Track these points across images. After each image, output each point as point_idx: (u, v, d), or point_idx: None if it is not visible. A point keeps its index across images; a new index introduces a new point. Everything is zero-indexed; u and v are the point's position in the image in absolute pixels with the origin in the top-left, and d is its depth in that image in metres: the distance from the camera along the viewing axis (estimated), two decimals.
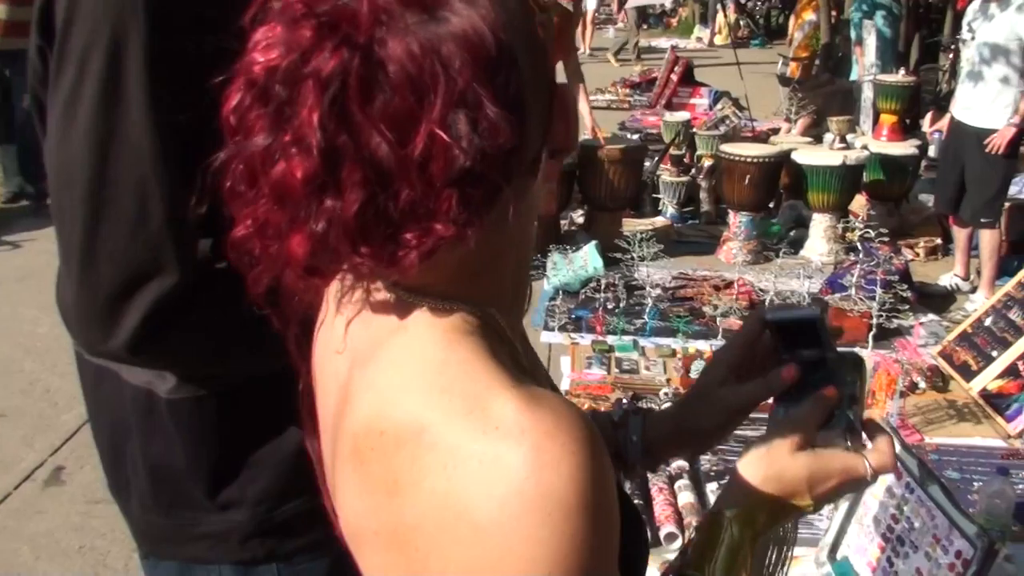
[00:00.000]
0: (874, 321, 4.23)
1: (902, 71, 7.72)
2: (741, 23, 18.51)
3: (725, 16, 17.68)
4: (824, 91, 8.97)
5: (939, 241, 6.31)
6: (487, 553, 0.66)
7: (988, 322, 4.68)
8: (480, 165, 0.68)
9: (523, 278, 0.89)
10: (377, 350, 0.78)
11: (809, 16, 13.18)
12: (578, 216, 6.81)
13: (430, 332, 0.76)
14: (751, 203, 6.17)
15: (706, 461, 3.72)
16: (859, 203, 6.67)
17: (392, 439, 0.72)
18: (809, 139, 7.33)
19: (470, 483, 0.67)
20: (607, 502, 0.69)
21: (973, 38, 5.39)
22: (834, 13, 12.23)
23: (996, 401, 4.17)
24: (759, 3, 19.10)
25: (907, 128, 7.55)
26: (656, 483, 3.44)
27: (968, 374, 4.43)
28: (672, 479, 3.49)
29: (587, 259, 4.96)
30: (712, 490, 3.52)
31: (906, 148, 6.39)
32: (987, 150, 5.18)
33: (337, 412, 0.81)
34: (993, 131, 5.19)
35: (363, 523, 0.77)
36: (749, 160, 6.09)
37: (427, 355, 0.75)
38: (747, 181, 6.05)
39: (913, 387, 4.25)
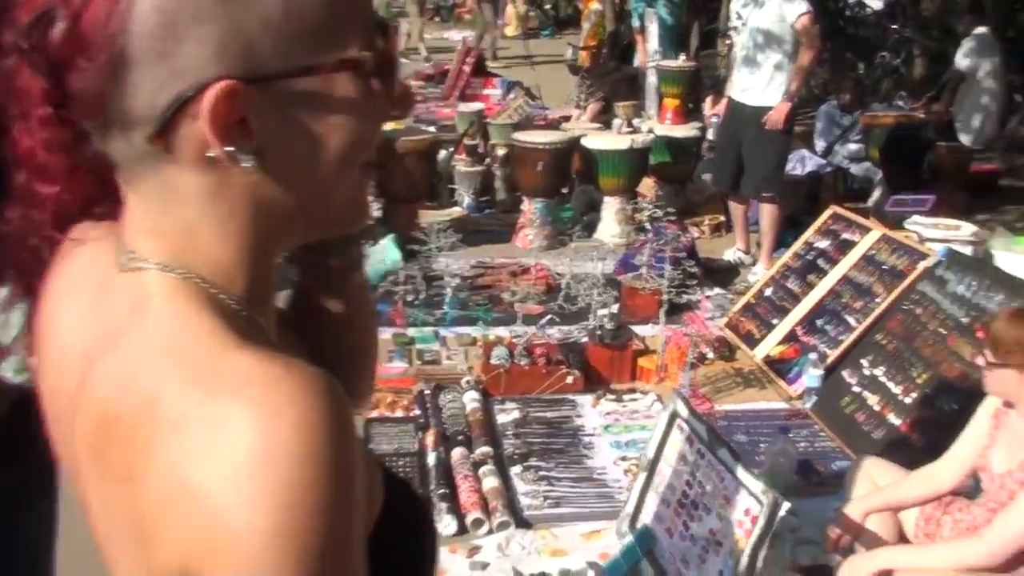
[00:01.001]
0: (665, 297, 4.38)
1: (682, 57, 8.04)
2: (531, 14, 18.80)
3: (515, 7, 17.92)
4: (612, 78, 9.22)
5: (722, 218, 6.59)
6: (212, 520, 0.61)
7: (768, 292, 4.94)
8: None
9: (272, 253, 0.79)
10: (114, 336, 0.72)
11: (595, 6, 13.55)
12: (375, 209, 6.75)
13: (165, 305, 0.71)
14: (544, 189, 6.27)
15: (510, 445, 3.77)
16: (648, 185, 6.89)
17: (127, 422, 0.67)
18: (599, 125, 7.52)
19: (197, 449, 0.62)
20: (343, 459, 0.64)
21: (745, 24, 5.64)
22: (619, 2, 12.62)
23: (779, 366, 4.41)
24: None
25: (690, 111, 7.87)
26: (461, 471, 3.45)
27: (752, 342, 4.67)
28: (476, 465, 3.51)
29: (385, 252, 4.91)
30: (516, 472, 3.57)
31: (689, 130, 6.65)
32: (766, 127, 5.44)
33: (70, 412, 0.74)
34: (770, 109, 5.44)
35: (108, 527, 0.71)
36: (541, 147, 6.18)
37: (161, 329, 0.70)
38: (540, 168, 6.13)
39: (702, 358, 4.44)
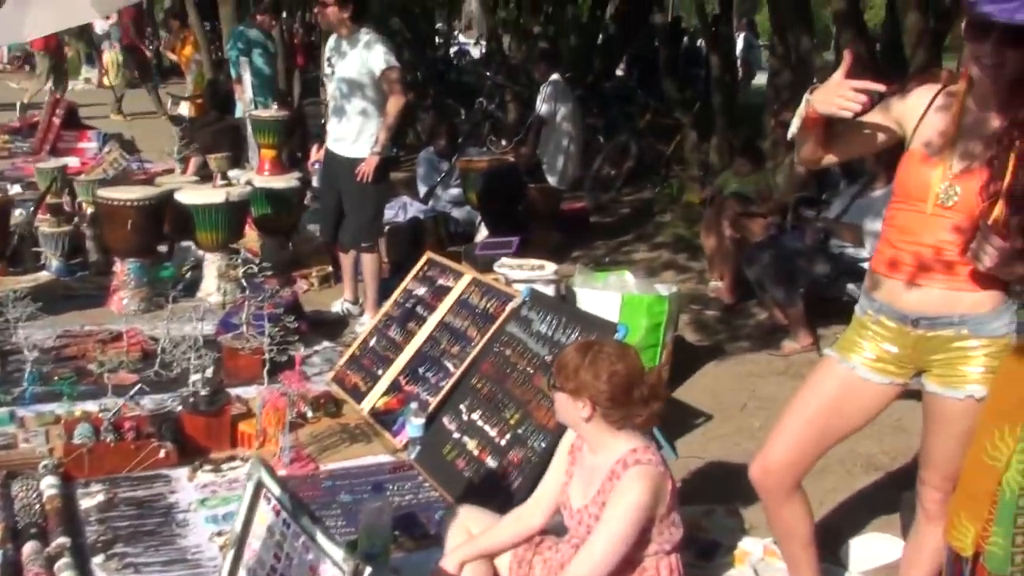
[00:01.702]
0: (266, 356, 4.23)
1: (275, 106, 7.93)
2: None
3: (113, 55, 16.96)
4: (213, 128, 8.91)
5: (331, 269, 6.54)
6: None
7: (372, 343, 4.92)
8: None
9: None
10: None
11: (194, 55, 13.14)
12: None
13: None
14: (137, 249, 5.91)
15: (93, 532, 3.43)
16: (252, 238, 6.70)
17: None
18: (197, 178, 7.23)
19: None
20: None
21: (333, 73, 5.64)
22: (216, 50, 12.31)
23: (384, 418, 4.37)
24: (152, 41, 18.57)
25: (294, 161, 7.77)
26: (31, 569, 3.08)
27: (359, 396, 4.61)
28: (51, 560, 3.14)
29: None
30: (98, 563, 3.24)
31: (289, 181, 6.53)
32: (357, 180, 5.45)
33: None
34: (362, 160, 5.46)
35: None
36: (128, 204, 5.83)
37: None
38: (129, 226, 5.78)
39: (303, 417, 4.31)
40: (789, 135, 2.69)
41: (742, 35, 18.85)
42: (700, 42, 14.15)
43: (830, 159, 2.71)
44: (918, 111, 2.55)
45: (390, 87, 5.45)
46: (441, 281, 4.85)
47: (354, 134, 5.53)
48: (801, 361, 5.22)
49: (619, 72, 15.40)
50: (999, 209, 2.34)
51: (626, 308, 4.61)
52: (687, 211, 8.50)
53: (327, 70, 5.80)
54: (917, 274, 2.49)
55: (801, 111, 2.54)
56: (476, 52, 16.76)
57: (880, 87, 2.42)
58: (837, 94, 2.39)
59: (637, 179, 10.16)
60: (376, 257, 5.71)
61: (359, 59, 5.48)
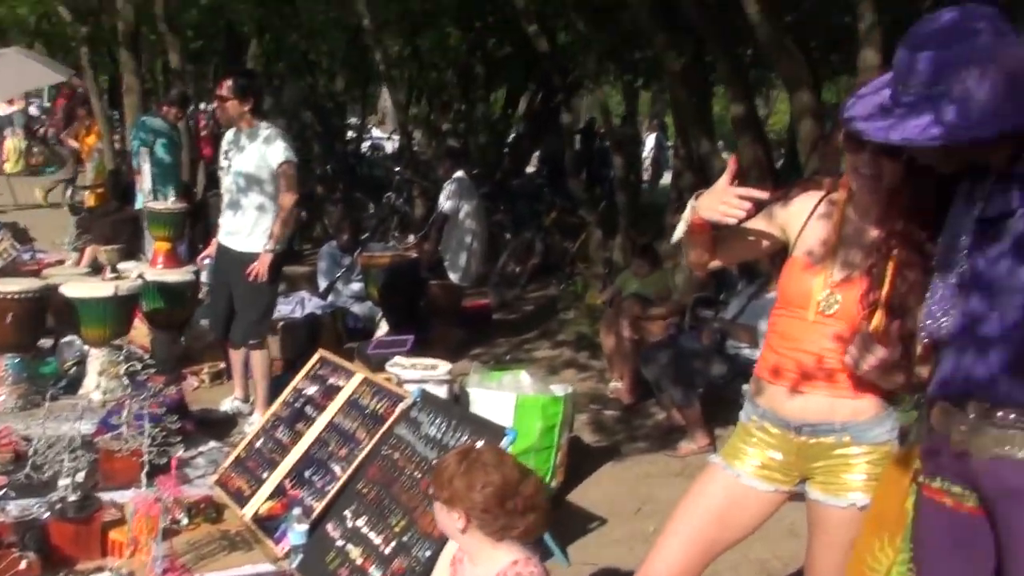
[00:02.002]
0: (145, 458, 4.03)
1: (172, 197, 7.79)
2: (35, 149, 17.53)
3: (15, 141, 16.64)
4: (112, 219, 8.75)
5: (223, 365, 6.35)
6: None
7: (259, 444, 4.74)
8: None
9: None
10: None
11: (97, 143, 12.94)
12: None
13: None
14: (17, 343, 5.69)
15: None
16: (143, 333, 6.49)
17: None
18: (89, 269, 7.03)
19: None
20: None
21: (230, 167, 5.56)
22: (119, 139, 12.15)
23: (267, 524, 4.19)
24: (48, 128, 18.26)
25: (195, 253, 7.61)
26: None
27: (241, 500, 4.41)
28: None
29: None
30: None
31: (183, 274, 6.36)
32: (250, 279, 5.34)
33: None
34: (255, 255, 5.36)
35: None
36: (10, 297, 5.62)
37: None
38: (9, 320, 5.56)
39: (177, 523, 4.11)
40: (674, 239, 2.69)
41: (653, 135, 19.34)
42: None
43: (717, 263, 2.73)
44: (801, 218, 2.58)
45: (285, 182, 5.39)
46: (332, 380, 4.72)
47: (248, 228, 5.44)
48: (697, 463, 5.18)
49: (532, 169, 15.64)
50: (878, 318, 2.36)
51: (520, 409, 4.54)
52: (590, 309, 8.53)
53: (223, 163, 5.72)
54: (799, 381, 2.49)
55: (687, 216, 2.54)
56: (390, 146, 16.87)
57: (763, 195, 2.44)
58: (721, 201, 2.40)
59: (542, 276, 10.20)
60: (265, 354, 5.57)
61: (258, 153, 5.42)
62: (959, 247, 2.06)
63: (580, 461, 5.13)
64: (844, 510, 2.47)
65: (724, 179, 2.42)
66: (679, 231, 2.60)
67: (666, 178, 17.24)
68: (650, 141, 19.69)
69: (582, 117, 19.92)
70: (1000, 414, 1.98)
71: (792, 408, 2.51)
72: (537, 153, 15.90)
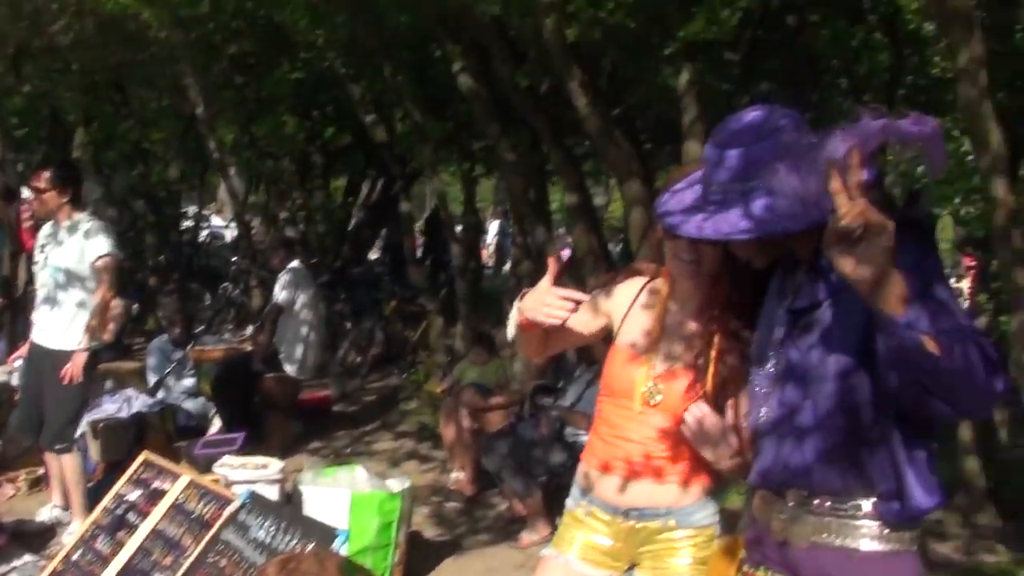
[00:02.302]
0: None
1: None
2: None
3: None
4: None
5: (42, 471, 5.97)
6: None
7: (77, 556, 4.44)
8: None
9: None
10: None
11: None
12: None
13: None
14: None
15: None
16: None
17: None
18: None
19: None
20: None
21: (46, 261, 5.30)
22: None
23: None
24: None
25: (13, 349, 7.19)
26: None
27: None
28: None
29: None
30: None
31: None
32: (64, 381, 5.06)
33: None
34: (69, 353, 5.09)
35: None
36: None
37: None
38: None
39: None
40: (508, 337, 2.69)
41: (497, 222, 19.59)
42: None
43: (549, 353, 2.75)
44: (623, 307, 2.62)
45: (104, 276, 5.15)
46: (156, 484, 4.48)
47: (64, 325, 5.16)
48: (539, 553, 5.13)
49: (376, 255, 15.54)
50: (676, 398, 2.43)
51: (355, 507, 4.41)
52: (432, 398, 8.45)
53: (38, 257, 5.44)
54: (626, 468, 2.51)
55: (513, 317, 2.54)
56: (230, 235, 16.52)
57: (583, 296, 2.45)
58: (544, 302, 2.40)
59: (384, 366, 10.09)
60: (74, 457, 5.25)
61: (78, 247, 5.18)
62: (773, 338, 2.12)
63: (421, 557, 5.01)
64: None
65: (546, 279, 2.43)
66: (509, 330, 2.61)
67: (510, 264, 17.48)
68: (494, 227, 19.95)
69: (428, 204, 20.07)
70: (816, 502, 2.02)
71: (619, 493, 2.53)
72: (380, 241, 15.88)
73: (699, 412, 2.35)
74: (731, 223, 1.97)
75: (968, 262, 10.09)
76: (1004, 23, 5.68)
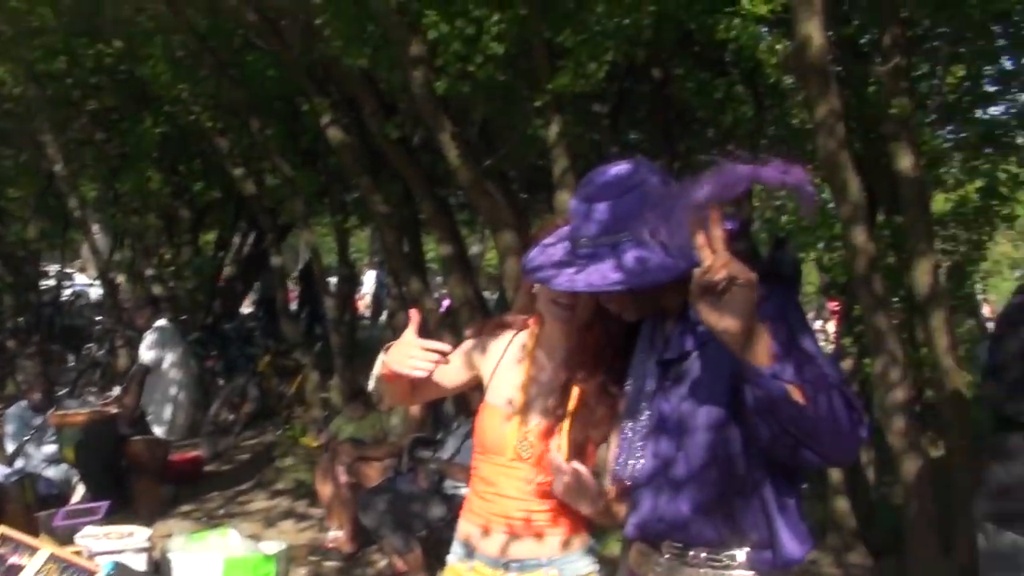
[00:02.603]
0: None
1: None
2: None
3: None
4: None
5: None
6: None
7: None
8: None
9: None
10: None
11: None
12: None
13: None
14: None
15: None
16: None
17: None
18: None
19: None
20: None
21: None
22: None
23: None
24: None
25: None
26: None
27: None
28: None
29: None
30: None
31: None
32: None
33: None
34: None
35: None
36: None
37: None
38: None
39: None
40: (370, 388, 2.65)
41: (374, 272, 19.49)
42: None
43: (415, 402, 2.71)
44: (493, 360, 2.60)
45: None
46: (13, 559, 4.24)
47: None
48: None
49: (248, 310, 15.23)
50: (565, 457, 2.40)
51: (228, 572, 4.28)
52: (308, 455, 8.28)
53: None
54: (505, 525, 2.49)
55: (377, 369, 2.51)
56: (95, 293, 15.98)
57: (447, 348, 2.42)
58: (409, 355, 2.36)
59: (258, 423, 9.84)
60: None
61: None
62: (645, 390, 2.14)
63: None
64: None
65: (410, 331, 2.40)
66: (371, 382, 2.57)
67: (386, 315, 17.37)
68: (370, 278, 19.83)
69: (302, 256, 19.82)
70: (692, 554, 2.04)
71: (499, 547, 2.50)
72: (253, 295, 15.58)
73: (568, 469, 2.34)
74: (602, 275, 1.99)
75: (832, 306, 10.48)
76: (859, 75, 5.94)
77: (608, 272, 1.99)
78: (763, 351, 1.74)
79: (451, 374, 2.62)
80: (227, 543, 4.53)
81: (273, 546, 4.61)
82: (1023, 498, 3.38)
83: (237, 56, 8.68)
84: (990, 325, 17.63)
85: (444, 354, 2.37)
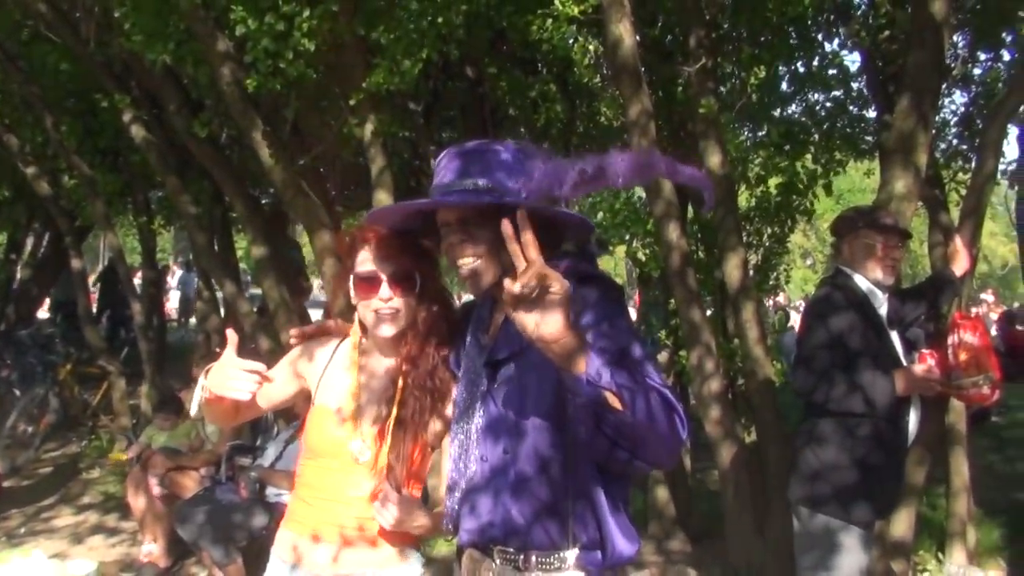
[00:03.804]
0: None
1: None
2: None
3: None
4: None
5: None
6: None
7: None
8: None
9: None
10: None
11: None
12: None
13: None
14: None
15: None
16: None
17: None
18: None
19: None
20: None
21: None
22: None
23: None
24: None
25: None
26: None
27: None
28: None
29: None
30: None
31: None
32: None
33: None
34: None
35: None
36: None
37: None
38: None
39: None
40: (192, 412, 2.54)
41: (179, 272, 18.81)
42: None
43: (242, 420, 2.61)
44: (319, 365, 2.55)
45: None
46: None
47: None
48: None
49: (45, 315, 14.41)
50: (384, 458, 2.40)
51: None
52: (117, 466, 7.92)
53: None
54: (335, 532, 2.44)
55: (199, 394, 2.40)
56: None
57: (264, 368, 2.34)
58: (229, 377, 2.28)
59: (60, 434, 9.36)
60: None
61: None
62: (477, 391, 2.14)
63: None
64: None
65: (228, 353, 2.30)
66: (193, 407, 2.47)
67: (196, 319, 16.81)
68: (176, 277, 19.14)
69: (102, 257, 18.90)
70: (522, 558, 2.06)
71: (325, 558, 2.45)
72: (49, 300, 14.74)
73: (387, 502, 2.33)
74: (462, 197, 2.05)
75: (637, 297, 10.85)
76: (667, 76, 6.13)
77: (467, 193, 2.04)
78: (581, 357, 1.75)
79: (276, 389, 2.55)
80: (31, 564, 4.28)
81: (83, 565, 4.38)
82: (833, 481, 3.62)
83: (27, 48, 8.17)
84: (793, 315, 18.67)
85: (263, 374, 2.30)
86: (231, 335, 2.34)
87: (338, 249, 2.40)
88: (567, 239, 2.15)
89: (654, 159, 1.88)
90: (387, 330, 2.42)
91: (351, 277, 2.43)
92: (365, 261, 2.39)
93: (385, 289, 2.37)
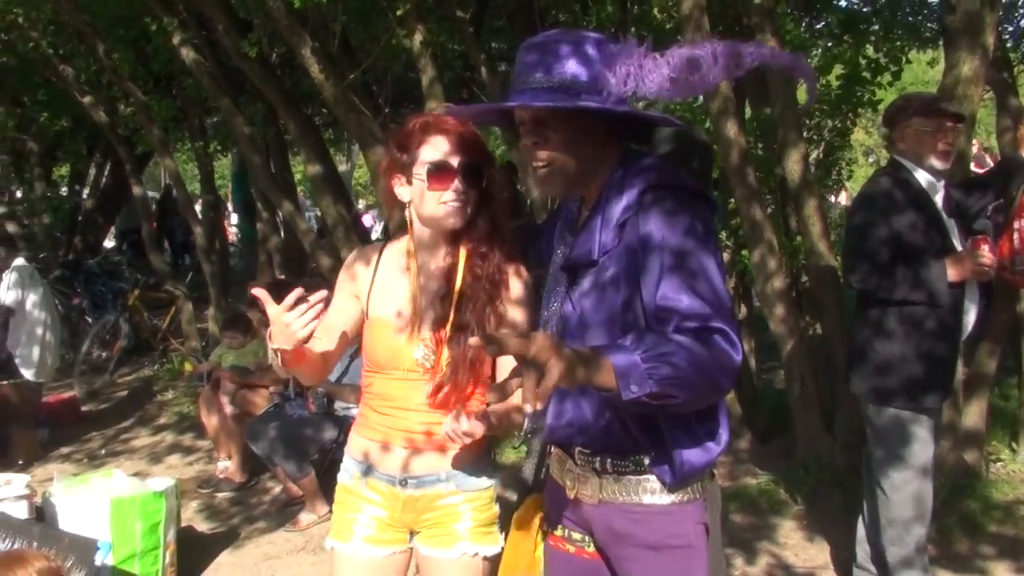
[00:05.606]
0: None
1: None
2: None
3: None
4: None
5: None
6: None
7: None
8: None
9: None
10: None
11: None
12: None
13: None
14: None
15: None
16: None
17: None
18: None
19: None
20: None
21: None
22: None
23: None
24: None
25: None
26: None
27: None
28: None
29: None
30: None
31: None
32: None
33: None
34: None
35: None
36: None
37: None
38: None
39: None
40: (281, 376, 2.50)
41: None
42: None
43: (336, 357, 2.57)
44: (367, 277, 2.50)
45: None
46: None
47: None
48: (320, 532, 5.05)
49: (112, 244, 14.67)
50: (454, 366, 2.36)
51: (116, 513, 4.15)
52: (191, 387, 8.11)
53: None
54: (404, 439, 2.44)
55: (276, 362, 2.36)
56: None
57: (317, 296, 2.29)
58: (287, 325, 2.24)
59: (133, 358, 9.60)
60: None
61: None
62: (557, 292, 2.12)
63: (195, 554, 4.81)
64: (456, 560, 2.45)
65: (272, 309, 2.24)
66: (279, 372, 2.45)
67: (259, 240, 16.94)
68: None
69: (163, 184, 19.09)
70: (599, 460, 2.05)
71: (396, 463, 2.45)
72: (114, 228, 15.00)
73: (458, 429, 2.24)
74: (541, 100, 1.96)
75: None
76: None
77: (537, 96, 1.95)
78: (599, 373, 1.65)
79: (344, 315, 2.52)
80: (112, 484, 4.41)
81: (161, 482, 4.48)
82: (900, 373, 3.57)
83: None
84: None
85: (319, 301, 2.25)
86: (261, 293, 2.29)
87: (399, 136, 2.33)
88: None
89: (749, 45, 1.80)
90: (454, 222, 2.34)
91: (415, 167, 2.32)
92: (436, 151, 2.32)
93: (459, 180, 2.32)
